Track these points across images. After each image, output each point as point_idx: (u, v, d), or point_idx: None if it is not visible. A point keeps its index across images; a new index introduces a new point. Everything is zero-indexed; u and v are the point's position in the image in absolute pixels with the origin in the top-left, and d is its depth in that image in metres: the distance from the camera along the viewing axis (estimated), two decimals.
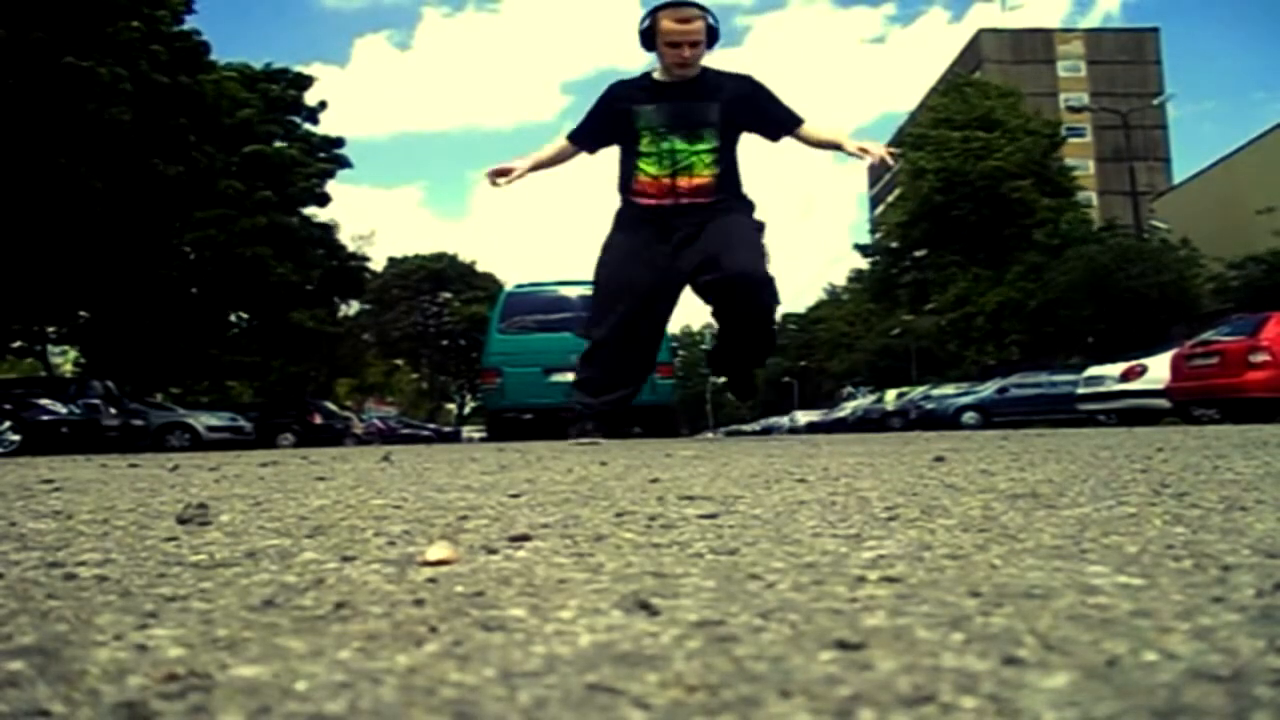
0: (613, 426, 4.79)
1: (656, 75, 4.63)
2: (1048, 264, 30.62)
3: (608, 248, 4.73)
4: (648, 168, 4.58)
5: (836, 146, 4.85)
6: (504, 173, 4.67)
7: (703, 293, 4.60)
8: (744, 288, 4.41)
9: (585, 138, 4.83)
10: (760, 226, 4.62)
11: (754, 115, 4.67)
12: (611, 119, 4.68)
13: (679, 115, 4.53)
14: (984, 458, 2.33)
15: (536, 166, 4.77)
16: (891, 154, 4.79)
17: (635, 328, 4.64)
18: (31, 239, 18.66)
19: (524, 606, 0.66)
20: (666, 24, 4.44)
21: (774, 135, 4.74)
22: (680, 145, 4.53)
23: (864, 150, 4.58)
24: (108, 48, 18.43)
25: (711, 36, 4.53)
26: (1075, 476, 1.67)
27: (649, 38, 4.54)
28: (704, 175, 4.53)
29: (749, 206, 4.69)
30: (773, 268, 4.51)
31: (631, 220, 4.67)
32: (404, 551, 0.94)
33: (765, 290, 4.45)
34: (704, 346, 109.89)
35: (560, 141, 4.90)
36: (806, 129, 4.73)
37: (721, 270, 4.37)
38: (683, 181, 4.53)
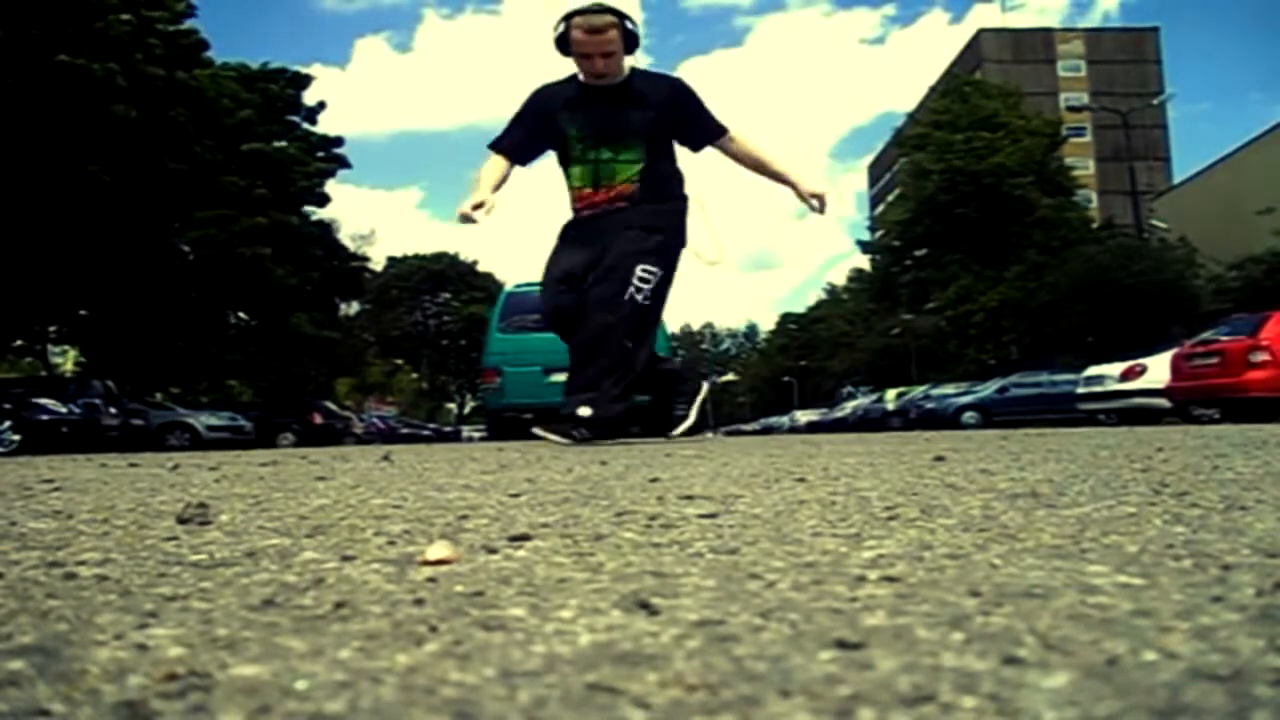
0: (606, 429, 4.51)
1: (582, 79, 4.45)
2: (1047, 264, 30.64)
3: (550, 256, 4.62)
4: (574, 179, 4.49)
5: (783, 181, 4.61)
6: (477, 206, 4.38)
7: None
8: (593, 307, 4.31)
9: (511, 145, 4.59)
10: (656, 248, 4.38)
11: (679, 122, 4.51)
12: (538, 123, 4.52)
13: (606, 124, 4.39)
14: (984, 457, 2.33)
15: (496, 190, 4.50)
16: (821, 200, 4.54)
17: (575, 325, 4.48)
18: (32, 237, 18.67)
19: (524, 606, 0.66)
20: (576, 34, 4.26)
21: (695, 145, 4.60)
22: (606, 155, 4.41)
23: (816, 197, 4.46)
24: (100, 44, 18.41)
25: (630, 42, 4.34)
26: (1075, 476, 1.67)
27: (563, 45, 4.37)
28: (625, 184, 4.41)
29: (661, 219, 4.47)
30: (645, 295, 4.33)
31: (565, 227, 4.61)
32: (404, 551, 0.94)
33: (603, 311, 4.28)
34: (704, 346, 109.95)
35: (492, 159, 4.59)
36: (736, 143, 4.55)
37: (601, 285, 4.32)
38: (603, 193, 4.43)
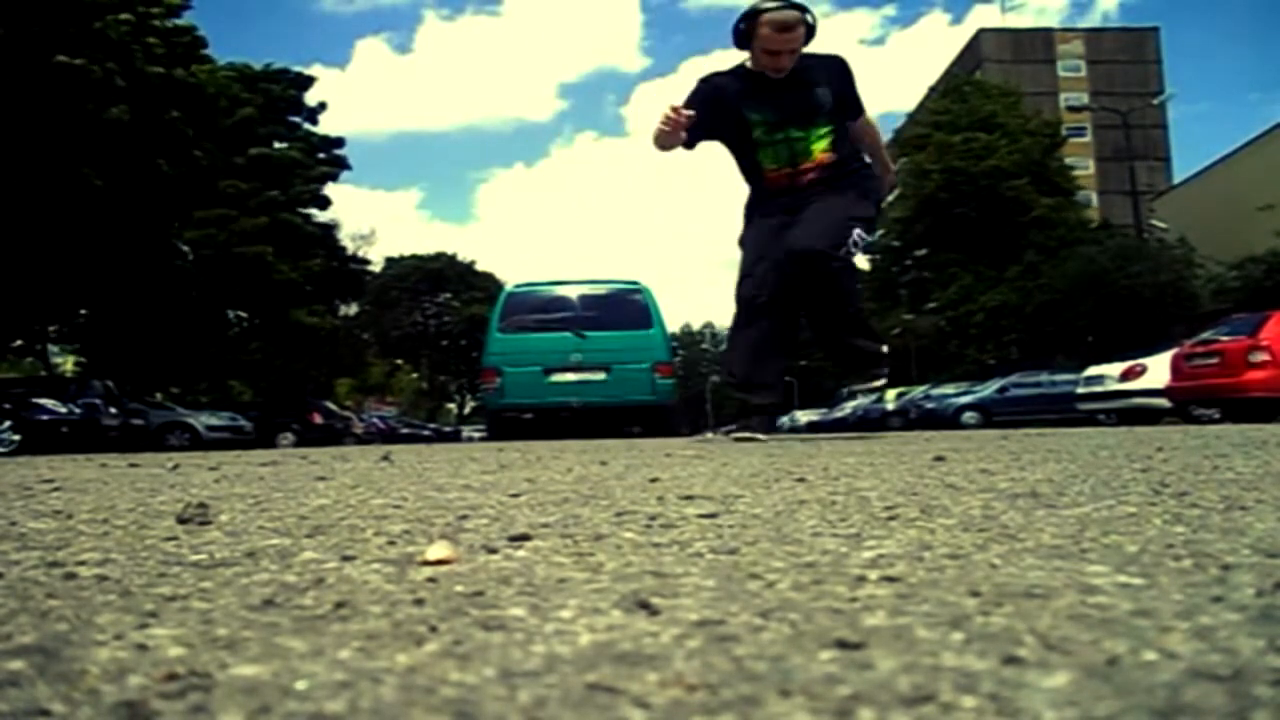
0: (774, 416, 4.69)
1: (751, 65, 4.52)
2: (1044, 264, 30.64)
3: (742, 242, 4.70)
4: (766, 161, 4.56)
5: (881, 165, 4.92)
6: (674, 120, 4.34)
7: (785, 263, 4.50)
8: (799, 262, 4.33)
9: (688, 133, 4.53)
10: (863, 215, 4.52)
11: (846, 94, 4.68)
12: (719, 116, 4.53)
13: (791, 107, 4.48)
14: (984, 457, 2.33)
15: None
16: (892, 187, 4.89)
17: (785, 308, 4.53)
18: (32, 238, 18.66)
19: (524, 606, 0.66)
20: (765, 31, 4.32)
21: (851, 119, 4.82)
22: (796, 134, 4.50)
23: (888, 173, 4.88)
24: (98, 44, 18.39)
25: (810, 36, 4.45)
26: (1075, 476, 1.67)
27: (744, 39, 4.43)
28: (821, 156, 4.53)
29: (864, 183, 4.64)
30: (857, 255, 4.56)
31: (761, 209, 4.64)
32: (404, 551, 0.94)
33: (819, 262, 4.32)
34: (704, 346, 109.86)
35: None
36: (866, 125, 4.84)
37: (785, 248, 4.37)
38: (803, 165, 4.52)
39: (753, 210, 4.74)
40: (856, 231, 4.42)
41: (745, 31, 4.41)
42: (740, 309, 4.64)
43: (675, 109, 4.26)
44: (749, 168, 4.67)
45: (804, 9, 4.38)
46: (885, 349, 4.83)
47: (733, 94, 4.52)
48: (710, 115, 4.49)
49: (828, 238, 4.34)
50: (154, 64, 19.83)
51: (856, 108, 4.74)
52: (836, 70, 4.62)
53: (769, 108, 4.49)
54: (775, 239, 4.48)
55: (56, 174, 18.16)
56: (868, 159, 4.79)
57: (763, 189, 4.65)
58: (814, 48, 4.53)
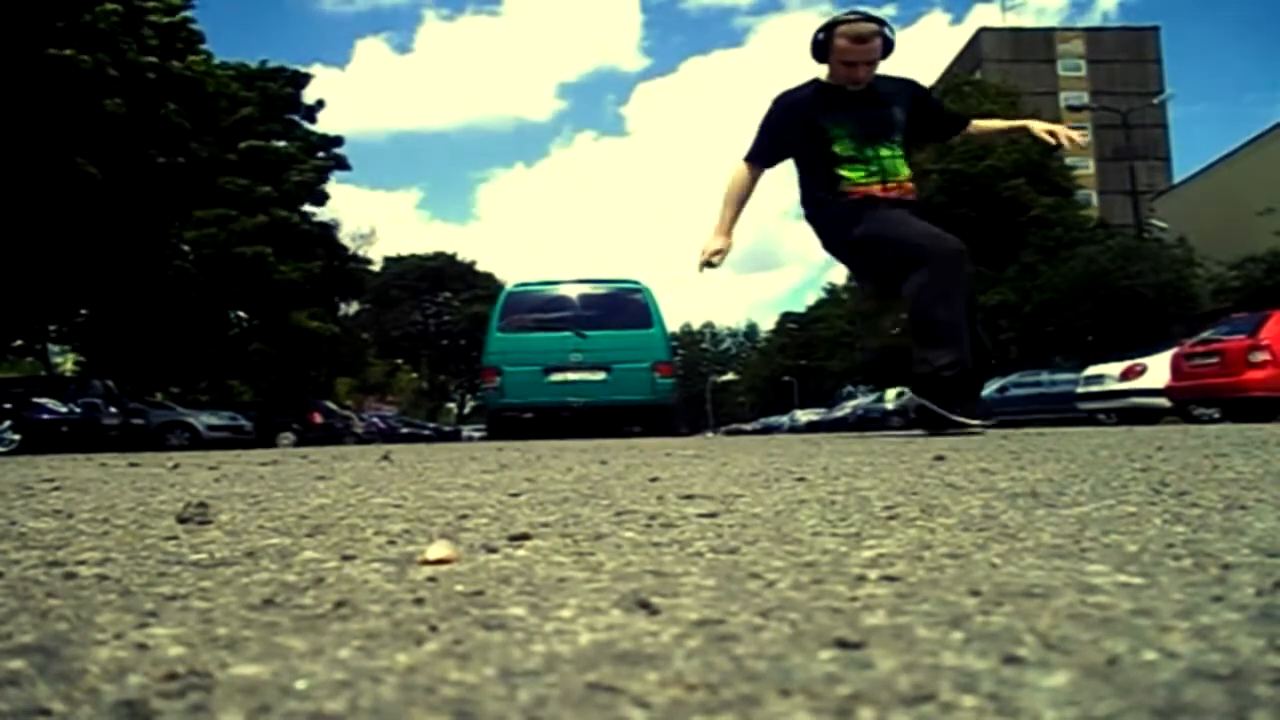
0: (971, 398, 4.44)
1: (827, 79, 4.52)
2: (1043, 264, 30.61)
3: (871, 225, 4.41)
4: (853, 175, 4.48)
5: (1025, 132, 4.96)
6: (717, 252, 4.57)
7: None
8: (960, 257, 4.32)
9: (767, 155, 4.67)
10: None
11: (928, 118, 4.77)
12: (792, 129, 4.55)
13: (875, 123, 4.49)
14: (984, 457, 2.33)
15: (735, 218, 4.66)
16: (1072, 135, 4.73)
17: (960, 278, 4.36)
18: (31, 236, 18.65)
19: (524, 605, 0.66)
20: (842, 43, 4.34)
21: (946, 136, 5.02)
22: (885, 152, 4.50)
23: (1053, 134, 4.73)
24: (89, 36, 18.34)
25: (887, 49, 4.45)
26: (1075, 475, 1.67)
27: (822, 51, 4.45)
28: (905, 176, 4.57)
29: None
30: None
31: (860, 204, 4.47)
32: (404, 550, 0.94)
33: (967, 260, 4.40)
34: (703, 346, 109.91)
35: (741, 172, 4.66)
36: (975, 124, 5.02)
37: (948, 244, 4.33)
38: (892, 185, 4.50)
39: (853, 211, 4.48)
40: None
41: (823, 43, 4.42)
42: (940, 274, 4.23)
43: (708, 256, 4.56)
44: (825, 180, 4.52)
45: (882, 21, 4.41)
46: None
47: (807, 106, 4.52)
48: (790, 130, 4.55)
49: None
50: (147, 54, 19.76)
51: (958, 119, 4.93)
52: (915, 93, 4.68)
53: (851, 121, 4.47)
54: (910, 222, 4.42)
55: (54, 169, 18.12)
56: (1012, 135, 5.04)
57: (842, 199, 4.49)
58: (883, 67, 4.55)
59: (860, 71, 4.39)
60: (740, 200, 4.66)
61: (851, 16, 4.36)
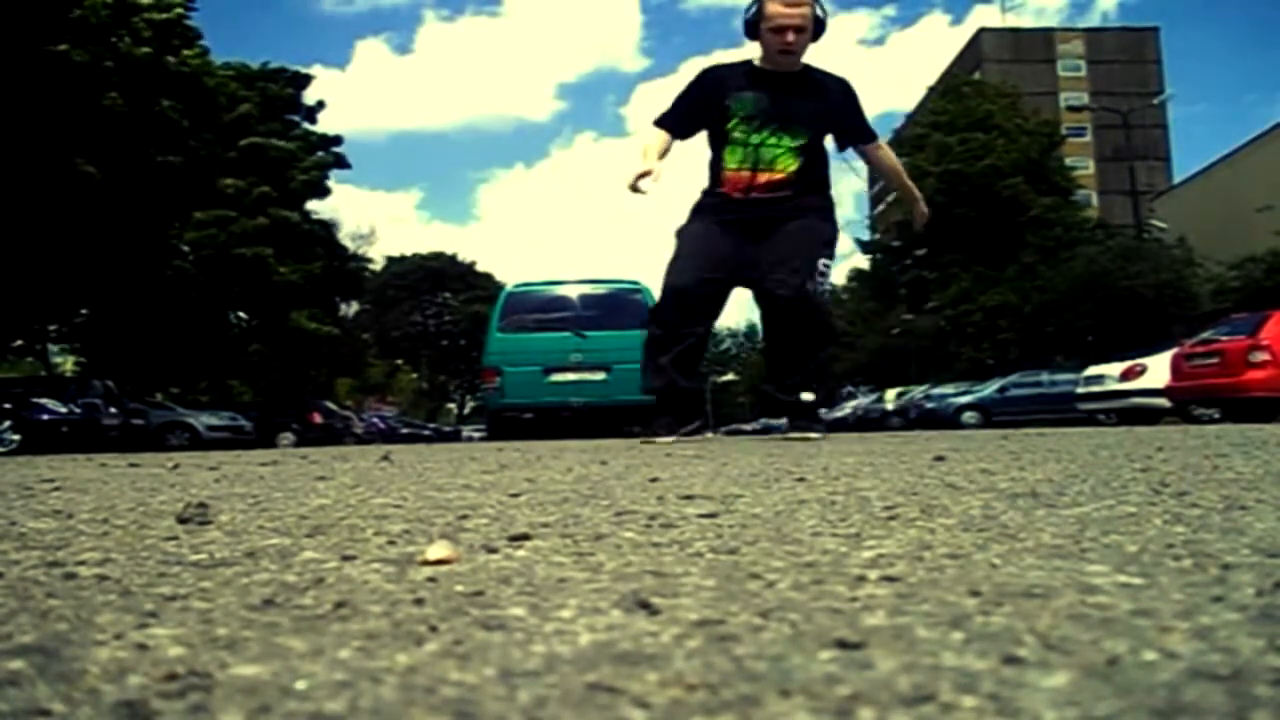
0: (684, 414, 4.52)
1: (757, 63, 4.48)
2: (1042, 264, 30.63)
3: (684, 233, 4.56)
4: (728, 161, 4.47)
5: (910, 196, 4.91)
6: (644, 175, 4.40)
7: (755, 296, 4.51)
8: (786, 310, 4.34)
9: (675, 121, 4.61)
10: (830, 239, 4.53)
11: (844, 119, 4.62)
12: (705, 102, 4.52)
13: (777, 107, 4.41)
14: (984, 457, 2.33)
15: (659, 154, 4.53)
16: (923, 217, 4.92)
17: (709, 306, 4.48)
18: (31, 236, 18.64)
19: (524, 606, 0.66)
20: (772, 7, 4.28)
21: (846, 144, 4.73)
22: (769, 139, 4.42)
23: (922, 217, 4.86)
24: (79, 30, 18.29)
25: (818, 28, 4.38)
26: (1075, 476, 1.67)
27: (753, 25, 4.40)
28: (783, 170, 4.44)
29: (826, 208, 4.59)
30: (830, 281, 4.50)
31: (711, 208, 4.52)
32: (404, 551, 0.94)
33: (803, 307, 4.32)
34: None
35: (654, 131, 4.62)
36: (882, 150, 4.80)
37: (769, 284, 4.33)
38: (762, 176, 4.43)
39: (702, 211, 4.57)
40: (822, 261, 4.38)
41: (754, 16, 4.36)
42: (671, 315, 4.43)
43: (635, 184, 4.36)
44: (714, 161, 4.56)
45: None
46: (815, 398, 4.57)
47: (727, 84, 4.48)
48: (703, 103, 4.51)
49: (800, 275, 4.30)
50: (141, 47, 19.69)
51: (866, 133, 4.70)
52: (843, 92, 4.57)
53: (755, 104, 4.42)
54: (728, 258, 4.40)
55: (53, 168, 18.11)
56: (890, 187, 4.84)
57: (717, 191, 4.53)
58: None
59: (790, 36, 4.28)
60: (657, 152, 4.49)
61: None
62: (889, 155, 4.91)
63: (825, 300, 4.49)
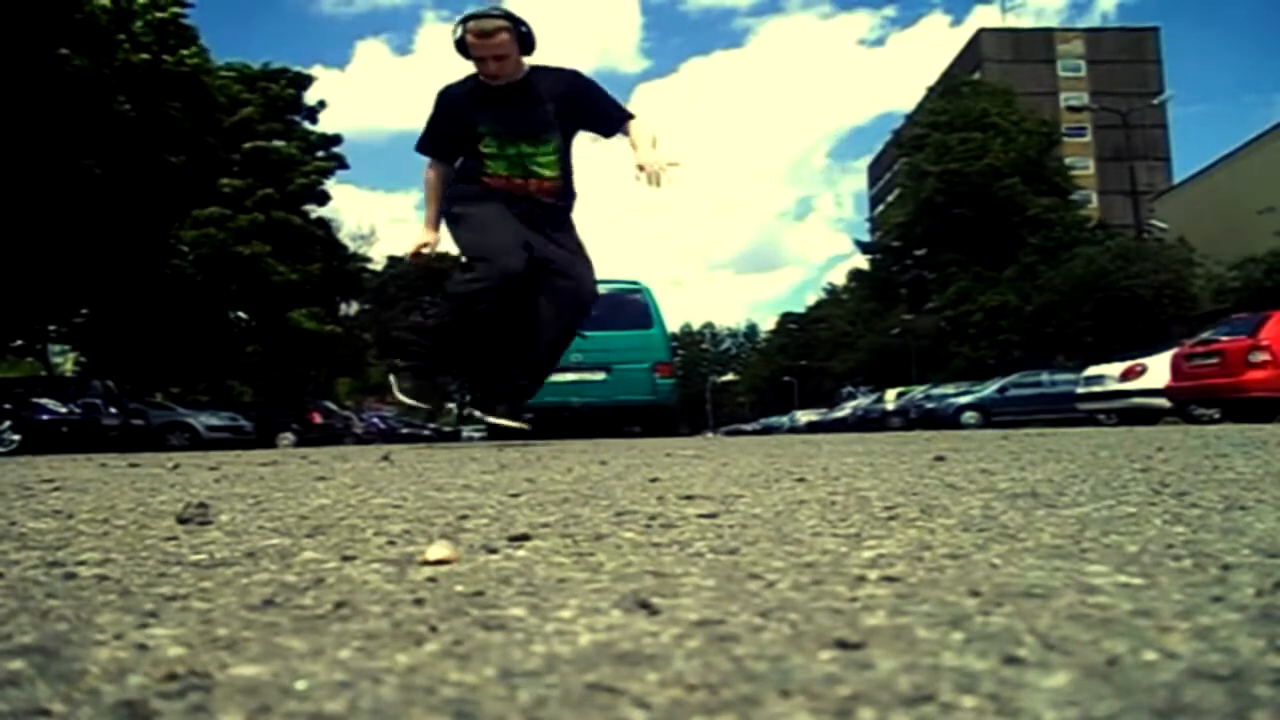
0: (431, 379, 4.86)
1: (483, 78, 4.51)
2: (1041, 264, 30.63)
3: (468, 217, 4.54)
4: (498, 169, 4.53)
5: (644, 150, 4.53)
6: (424, 245, 4.75)
7: (545, 289, 4.54)
8: (584, 308, 4.71)
9: (439, 146, 4.71)
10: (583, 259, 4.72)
11: (585, 112, 4.62)
12: (451, 123, 4.60)
13: (519, 121, 4.49)
14: (984, 457, 2.33)
15: (437, 213, 4.70)
16: (667, 169, 4.33)
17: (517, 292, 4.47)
18: (31, 236, 18.64)
19: (524, 606, 0.66)
20: (470, 39, 4.37)
21: (607, 132, 4.69)
22: (527, 149, 4.50)
23: (640, 168, 4.31)
24: (80, 33, 18.29)
25: (524, 43, 4.44)
26: (1075, 476, 1.67)
27: (462, 47, 4.46)
28: (550, 178, 4.54)
29: (571, 216, 4.75)
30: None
31: (487, 194, 4.53)
32: (404, 551, 0.94)
33: (589, 309, 4.75)
34: (703, 346, 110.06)
35: (428, 169, 4.76)
36: (634, 126, 4.57)
37: (574, 282, 4.54)
38: (533, 183, 4.54)
39: (476, 199, 4.55)
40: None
41: (460, 39, 4.43)
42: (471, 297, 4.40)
43: (416, 250, 4.78)
44: (473, 172, 4.59)
45: (509, 16, 4.39)
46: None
47: (464, 102, 4.55)
48: (452, 125, 4.60)
49: (593, 281, 4.64)
50: (140, 51, 19.70)
51: (617, 116, 4.62)
52: (567, 87, 4.56)
53: (497, 122, 4.49)
54: (500, 227, 4.43)
55: (54, 168, 18.11)
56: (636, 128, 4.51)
57: (488, 184, 4.56)
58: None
59: (489, 66, 4.39)
60: (437, 195, 4.71)
61: (478, 12, 4.41)
62: (645, 128, 4.54)
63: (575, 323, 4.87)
